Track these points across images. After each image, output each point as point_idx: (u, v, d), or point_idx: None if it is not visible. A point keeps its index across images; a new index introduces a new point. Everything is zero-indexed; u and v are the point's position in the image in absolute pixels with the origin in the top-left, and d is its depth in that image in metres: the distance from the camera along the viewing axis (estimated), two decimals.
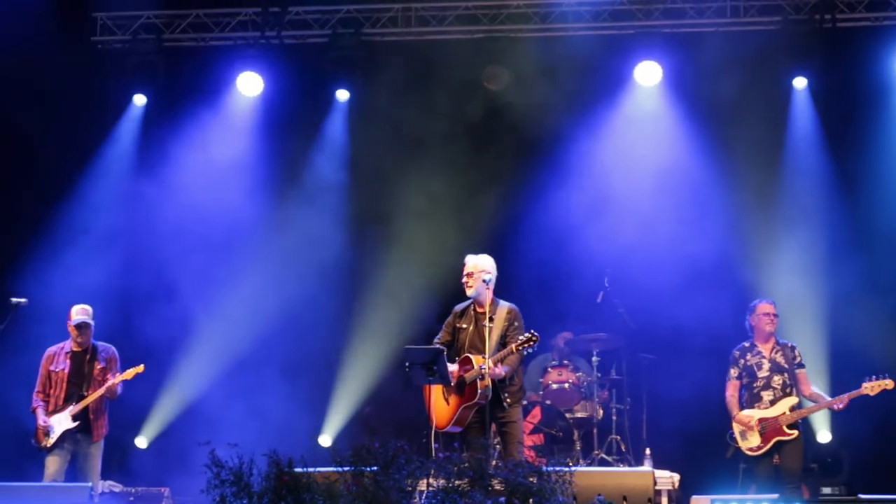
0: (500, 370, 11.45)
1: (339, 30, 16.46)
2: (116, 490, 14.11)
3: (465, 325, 11.76)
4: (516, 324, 11.70)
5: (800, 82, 15.95)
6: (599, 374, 15.33)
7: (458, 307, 11.96)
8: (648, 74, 16.13)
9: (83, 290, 14.59)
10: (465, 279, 11.84)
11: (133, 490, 14.29)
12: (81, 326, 12.84)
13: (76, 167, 16.54)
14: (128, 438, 15.99)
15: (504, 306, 11.79)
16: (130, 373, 12.83)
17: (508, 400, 11.60)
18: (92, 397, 12.70)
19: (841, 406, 12.24)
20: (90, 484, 12.16)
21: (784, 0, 15.90)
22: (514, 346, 11.50)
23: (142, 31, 16.79)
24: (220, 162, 16.40)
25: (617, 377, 15.46)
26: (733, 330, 13.48)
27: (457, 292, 12.21)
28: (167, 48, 16.83)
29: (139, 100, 16.85)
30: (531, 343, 11.48)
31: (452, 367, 11.56)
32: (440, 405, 11.60)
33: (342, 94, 16.73)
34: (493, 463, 10.66)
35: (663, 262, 15.45)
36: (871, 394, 12.14)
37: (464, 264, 11.93)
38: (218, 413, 15.36)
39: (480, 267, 11.82)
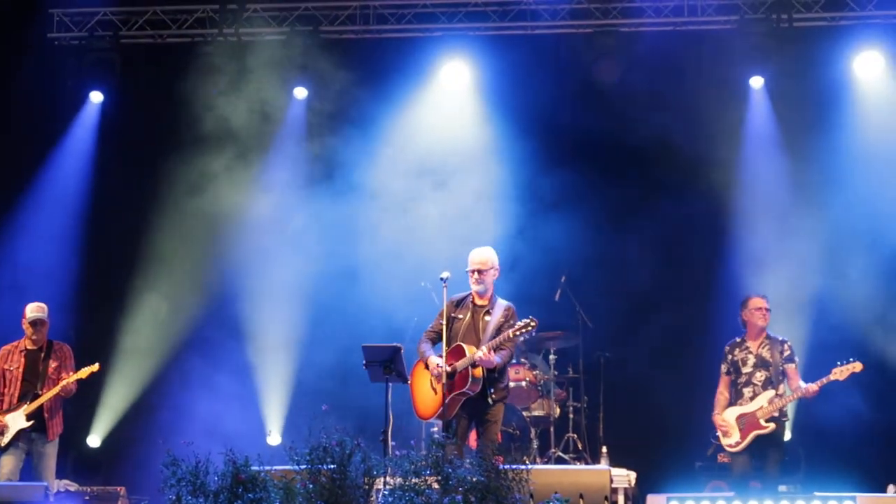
0: (495, 358, 11.39)
1: (297, 27, 16.43)
2: (72, 489, 14.03)
3: (461, 316, 11.67)
4: (512, 321, 11.66)
5: (756, 81, 16.02)
6: (556, 373, 15.34)
7: (455, 297, 11.83)
8: (607, 72, 16.14)
9: (35, 290, 14.56)
10: (474, 273, 11.72)
11: (89, 489, 14.21)
12: (36, 323, 12.75)
13: (32, 165, 16.43)
14: (81, 437, 15.94)
15: (503, 302, 11.77)
16: (85, 371, 12.74)
17: (494, 396, 11.53)
18: (46, 396, 12.60)
19: (811, 393, 12.12)
20: (45, 483, 12.08)
21: None
22: (510, 332, 11.41)
23: (98, 27, 16.70)
24: (176, 159, 16.31)
25: (574, 375, 15.47)
26: (693, 326, 13.56)
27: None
28: (124, 45, 16.75)
29: (96, 97, 16.78)
30: (529, 329, 11.41)
31: (437, 359, 11.50)
32: (426, 394, 11.51)
33: (300, 92, 16.66)
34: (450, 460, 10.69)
35: (620, 258, 15.51)
36: (841, 378, 12.04)
37: (470, 259, 11.80)
38: (173, 411, 15.30)
39: (491, 263, 11.76)
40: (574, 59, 16.22)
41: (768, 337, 12.38)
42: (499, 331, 11.56)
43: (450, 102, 16.56)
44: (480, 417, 11.56)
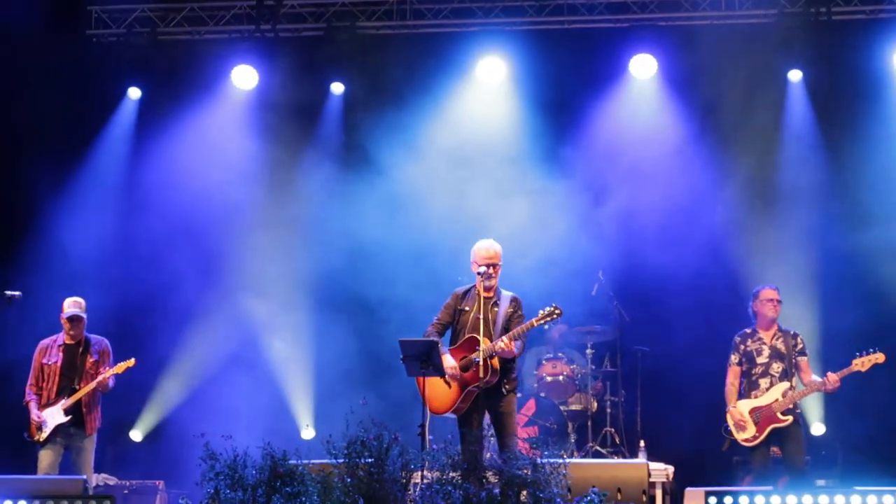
0: (515, 347, 11.39)
1: (334, 23, 16.47)
2: (111, 483, 14.09)
3: (467, 308, 11.57)
4: (520, 312, 11.62)
5: (795, 75, 15.97)
6: (594, 367, 15.33)
7: (460, 289, 11.76)
8: (643, 67, 16.15)
9: (78, 283, 14.59)
10: (489, 268, 11.66)
11: (128, 483, 14.27)
12: (73, 319, 12.78)
13: (72, 161, 16.50)
14: (123, 431, 16.02)
15: (508, 293, 11.72)
16: (121, 366, 12.74)
17: (507, 386, 11.51)
18: (83, 391, 12.62)
19: (833, 387, 12.07)
20: (84, 477, 12.10)
21: None
22: (535, 320, 11.38)
23: (136, 24, 16.79)
24: (216, 155, 16.38)
25: (611, 369, 15.46)
26: (730, 321, 13.50)
27: None
28: (162, 41, 16.84)
29: (134, 93, 16.86)
30: (553, 317, 11.39)
31: (451, 360, 11.40)
32: (440, 389, 11.37)
33: (337, 88, 16.71)
34: (488, 455, 10.70)
35: (659, 256, 15.46)
36: (863, 369, 11.96)
37: (479, 255, 11.73)
38: (212, 406, 15.34)
39: (501, 256, 11.75)
40: (611, 53, 16.18)
41: (780, 329, 12.35)
42: (508, 321, 11.53)
43: (486, 97, 16.53)
44: (496, 410, 11.49)
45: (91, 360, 12.84)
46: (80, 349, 12.86)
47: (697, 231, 15.45)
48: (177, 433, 15.15)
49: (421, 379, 11.41)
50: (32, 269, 15.36)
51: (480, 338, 11.33)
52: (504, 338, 11.29)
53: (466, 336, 11.48)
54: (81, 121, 16.65)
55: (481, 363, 11.23)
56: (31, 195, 16.08)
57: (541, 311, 11.42)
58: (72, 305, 12.82)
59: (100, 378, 12.63)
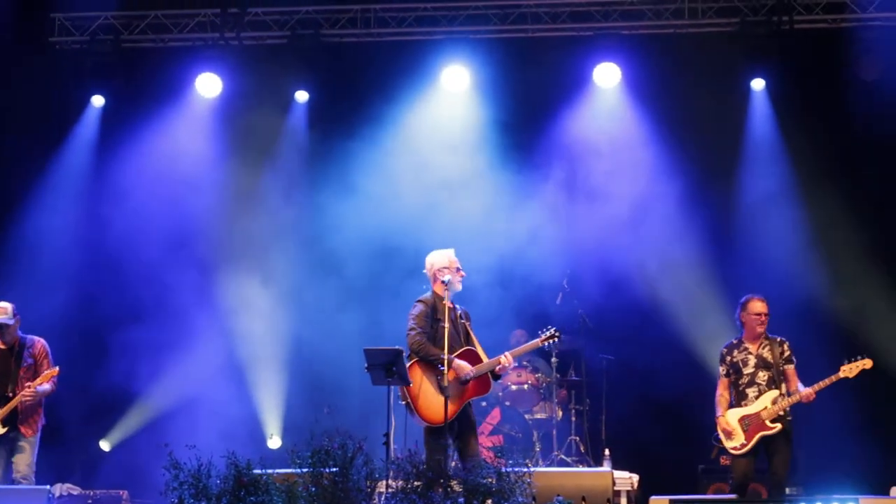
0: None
1: (298, 31, 16.46)
2: (75, 493, 14.01)
3: (440, 318, 11.55)
4: (468, 322, 11.76)
5: (758, 84, 16.04)
6: (559, 375, 15.34)
7: (426, 298, 11.72)
8: (607, 76, 16.20)
9: (43, 286, 14.58)
10: (460, 275, 11.75)
11: (91, 493, 14.19)
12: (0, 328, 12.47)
13: (34, 168, 16.44)
14: (92, 440, 15.98)
15: (459, 305, 11.79)
16: (45, 377, 12.31)
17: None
18: (14, 402, 12.21)
19: (808, 399, 12.05)
20: (48, 487, 12.00)
21: (741, 2, 15.99)
22: (538, 340, 11.74)
23: (100, 31, 16.72)
24: (179, 163, 16.33)
25: (576, 378, 15.47)
26: (695, 330, 13.56)
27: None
28: (126, 49, 16.78)
29: (97, 101, 16.80)
30: (554, 340, 11.79)
31: (465, 363, 11.44)
32: (433, 398, 11.33)
33: (301, 95, 16.71)
34: (453, 464, 10.70)
35: (622, 265, 15.51)
36: (851, 376, 11.94)
37: (455, 262, 11.75)
38: (175, 416, 15.30)
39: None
40: (575, 61, 16.22)
41: (767, 337, 12.30)
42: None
43: (451, 106, 16.55)
44: (469, 420, 11.56)
45: (25, 364, 12.44)
46: (13, 355, 12.47)
47: (662, 239, 15.51)
48: (142, 442, 15.09)
49: (413, 389, 11.38)
50: None
51: (479, 351, 11.47)
52: (508, 355, 11.48)
53: (464, 348, 11.54)
54: (44, 128, 16.58)
55: (488, 376, 11.51)
56: None
57: (542, 333, 11.75)
58: None
59: (21, 394, 12.20)
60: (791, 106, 15.89)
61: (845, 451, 14.54)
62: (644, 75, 16.11)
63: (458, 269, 11.70)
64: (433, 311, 11.62)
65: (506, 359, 11.44)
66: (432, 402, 11.31)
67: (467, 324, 11.70)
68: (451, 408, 11.27)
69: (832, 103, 15.70)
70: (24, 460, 12.36)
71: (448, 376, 11.27)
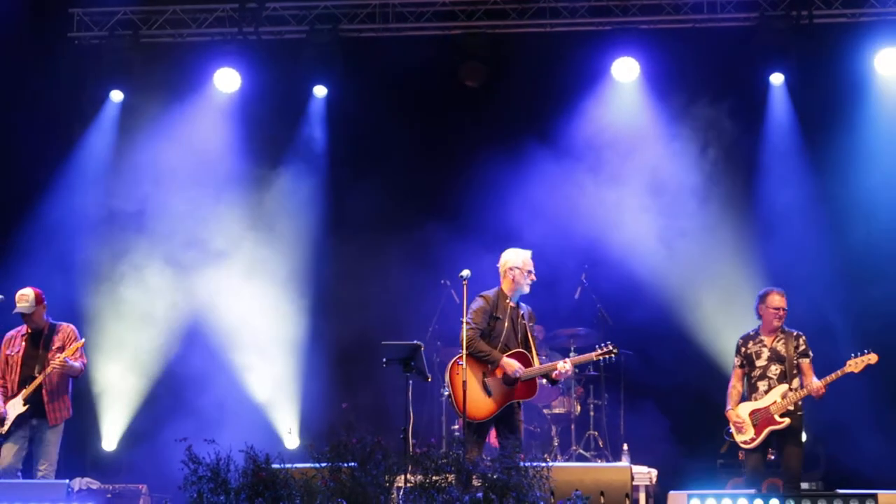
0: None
1: (317, 26, 16.45)
2: (94, 487, 14.01)
3: (500, 317, 11.62)
4: (532, 324, 11.80)
5: (777, 78, 16.00)
6: (577, 370, 15.32)
7: (489, 294, 11.75)
8: (626, 70, 16.18)
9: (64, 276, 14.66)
10: (531, 278, 11.77)
11: (110, 487, 14.21)
12: (22, 316, 12.50)
13: (54, 162, 16.46)
14: (101, 436, 16.04)
15: (525, 306, 11.83)
16: (71, 349, 12.36)
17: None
18: (40, 378, 12.27)
19: (818, 393, 12.02)
20: (67, 481, 12.00)
21: None
22: (594, 354, 11.82)
23: (119, 26, 16.74)
24: (197, 157, 16.35)
25: (594, 373, 15.45)
26: (715, 324, 13.53)
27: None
28: (144, 44, 16.78)
29: (116, 96, 16.82)
30: (611, 356, 11.84)
31: (515, 363, 11.48)
32: (477, 394, 11.39)
33: (319, 90, 16.71)
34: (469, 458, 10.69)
35: (643, 259, 15.50)
36: (857, 370, 11.91)
37: (528, 265, 11.80)
38: (196, 409, 15.32)
39: None
40: (594, 56, 16.21)
41: (783, 330, 12.25)
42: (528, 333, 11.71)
43: (468, 100, 16.54)
44: (509, 419, 11.60)
45: (54, 346, 12.47)
46: (42, 338, 12.55)
47: (680, 234, 15.50)
48: (160, 437, 15.10)
49: (456, 382, 11.39)
50: (15, 274, 15.30)
51: (533, 355, 11.61)
52: (568, 361, 11.67)
53: (517, 349, 11.57)
54: (64, 122, 16.62)
55: (536, 381, 11.69)
56: (16, 198, 16.05)
57: (599, 348, 11.85)
58: (19, 300, 12.46)
59: (54, 363, 12.25)
60: (810, 101, 15.85)
61: (865, 446, 14.51)
62: (663, 70, 16.08)
63: (529, 272, 11.76)
64: (493, 308, 11.67)
65: (563, 365, 11.48)
66: (474, 397, 11.39)
67: (529, 325, 11.73)
68: (491, 406, 11.39)
69: (852, 98, 15.66)
70: (48, 457, 12.39)
71: (497, 374, 11.39)
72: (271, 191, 16.48)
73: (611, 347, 11.74)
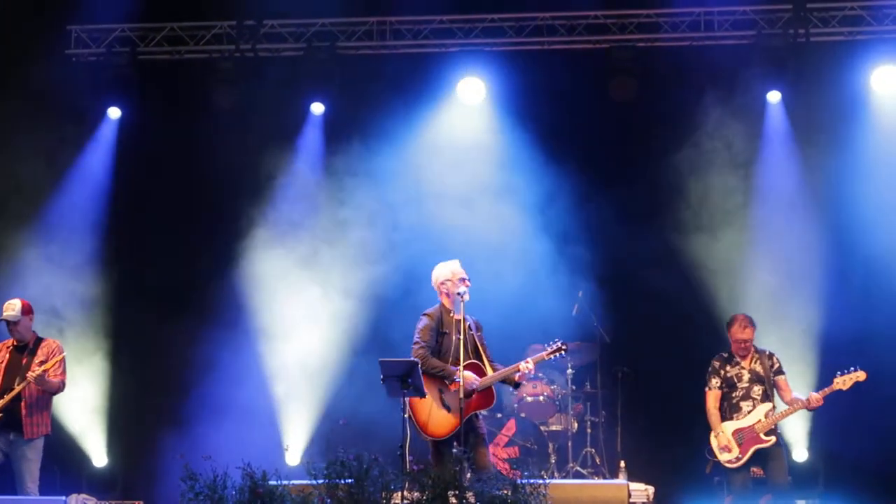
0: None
1: (314, 43, 16.47)
2: (90, 503, 14.01)
3: (447, 331, 11.62)
4: (479, 333, 11.77)
5: (774, 96, 16.04)
6: (574, 387, 15.33)
7: (432, 311, 11.75)
8: (623, 89, 16.19)
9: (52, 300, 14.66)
10: (465, 285, 11.72)
11: (106, 503, 14.20)
12: (7, 323, 12.40)
13: (51, 179, 16.47)
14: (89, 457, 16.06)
15: (470, 317, 11.78)
16: (51, 363, 12.13)
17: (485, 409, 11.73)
18: (18, 389, 12.04)
19: (815, 405, 12.09)
20: (63, 498, 11.95)
21: (758, 14, 15.99)
22: (545, 353, 11.73)
23: (116, 44, 16.75)
24: (196, 174, 16.36)
25: (591, 390, 15.44)
26: (710, 341, 13.54)
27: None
28: (142, 61, 16.78)
29: (114, 113, 16.83)
30: (560, 353, 11.76)
31: (471, 374, 11.43)
32: (436, 412, 11.38)
33: (317, 108, 16.72)
34: (468, 476, 10.69)
35: (640, 276, 15.51)
36: (844, 388, 12.00)
37: (458, 273, 11.74)
38: (193, 426, 15.31)
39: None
40: (590, 75, 16.24)
41: (756, 350, 12.39)
42: (479, 344, 11.70)
43: (466, 118, 16.56)
44: (477, 432, 11.59)
45: (37, 360, 12.27)
46: (26, 351, 12.38)
47: (677, 251, 15.52)
48: (155, 453, 15.09)
49: (414, 401, 11.38)
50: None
51: (486, 363, 11.52)
52: (530, 362, 11.56)
53: (469, 361, 11.47)
54: (62, 140, 16.62)
55: (492, 389, 11.60)
56: (13, 215, 16.07)
57: (550, 347, 11.78)
58: (6, 309, 12.39)
59: (28, 375, 11.99)
60: (807, 118, 15.87)
61: (863, 464, 14.52)
62: (660, 88, 16.11)
63: (462, 279, 11.71)
64: (439, 325, 11.66)
65: (526, 366, 11.45)
66: (434, 416, 11.39)
67: (477, 335, 11.71)
68: (453, 421, 11.34)
69: (848, 116, 15.70)
70: (29, 472, 12.17)
71: (451, 388, 11.37)
72: (269, 207, 16.46)
73: (559, 344, 11.71)
